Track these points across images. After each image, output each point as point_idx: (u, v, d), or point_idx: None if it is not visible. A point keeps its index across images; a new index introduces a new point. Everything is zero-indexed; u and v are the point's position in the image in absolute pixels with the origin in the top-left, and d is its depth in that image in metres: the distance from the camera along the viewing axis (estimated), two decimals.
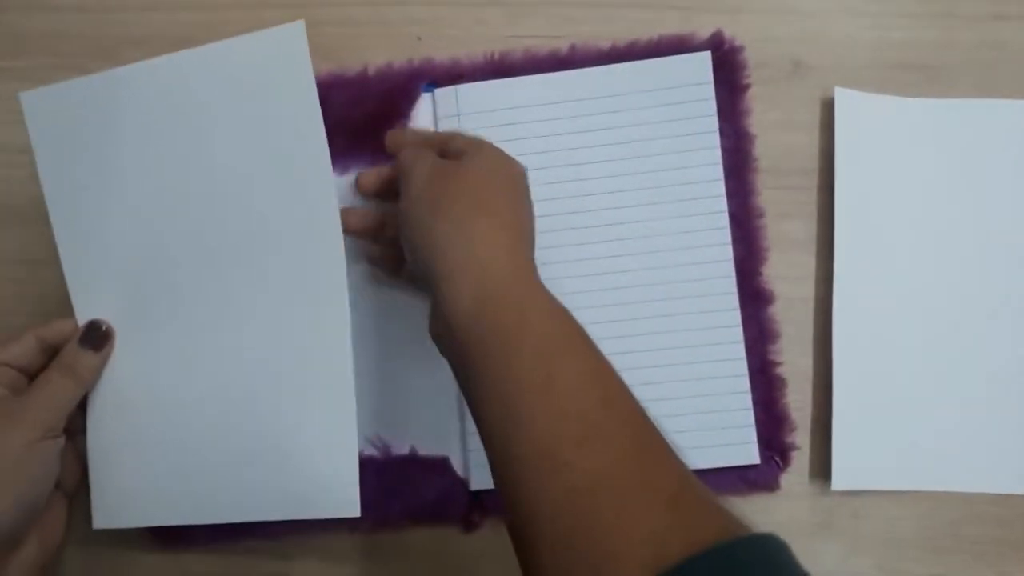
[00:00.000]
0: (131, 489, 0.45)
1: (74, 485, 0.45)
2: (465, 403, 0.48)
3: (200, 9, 0.52)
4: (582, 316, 0.48)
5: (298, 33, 0.42)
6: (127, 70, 0.44)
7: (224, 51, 0.43)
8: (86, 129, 0.44)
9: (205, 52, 0.43)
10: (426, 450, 0.49)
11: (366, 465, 0.47)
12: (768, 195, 0.50)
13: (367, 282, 0.50)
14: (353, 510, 0.43)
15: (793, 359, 0.49)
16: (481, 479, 0.48)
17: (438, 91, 0.50)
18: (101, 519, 0.45)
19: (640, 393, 0.48)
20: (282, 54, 0.43)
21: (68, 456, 0.44)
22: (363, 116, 0.50)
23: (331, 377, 0.43)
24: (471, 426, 0.48)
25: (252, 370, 0.44)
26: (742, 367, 0.48)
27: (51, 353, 0.44)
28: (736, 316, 0.48)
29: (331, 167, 0.43)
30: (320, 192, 0.43)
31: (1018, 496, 0.48)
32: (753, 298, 0.49)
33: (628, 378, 0.47)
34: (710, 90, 0.50)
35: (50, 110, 0.45)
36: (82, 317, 0.44)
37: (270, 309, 0.44)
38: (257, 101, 0.43)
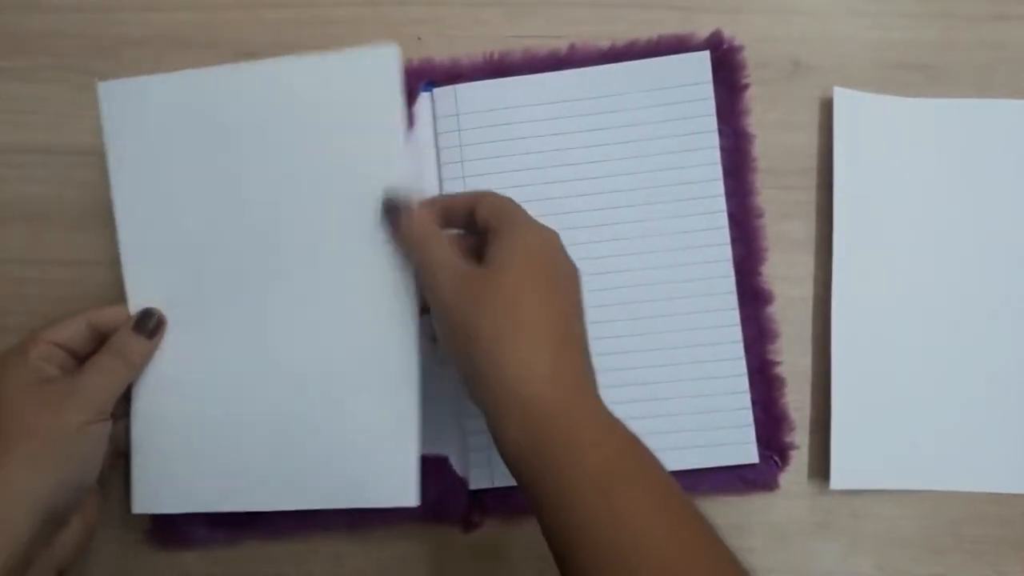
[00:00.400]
0: (175, 475, 0.45)
1: (107, 470, 0.46)
2: (465, 403, 0.48)
3: (200, 9, 0.52)
4: None
5: (391, 55, 0.43)
6: (211, 72, 0.45)
7: (313, 65, 0.44)
8: (160, 125, 0.45)
9: (292, 63, 0.44)
10: (426, 450, 0.49)
11: None
12: (767, 195, 0.50)
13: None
14: (411, 499, 0.43)
15: (792, 359, 0.49)
16: (481, 479, 0.48)
17: (437, 91, 0.50)
18: (140, 504, 0.46)
19: (639, 393, 0.48)
20: (372, 74, 0.44)
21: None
22: None
23: (394, 367, 0.44)
24: (471, 426, 0.48)
25: (309, 359, 0.44)
26: (741, 367, 0.48)
27: (100, 339, 0.44)
28: (735, 316, 0.49)
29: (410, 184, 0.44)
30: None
31: (1018, 495, 0.48)
32: (752, 298, 0.49)
33: (628, 378, 0.48)
34: (709, 90, 0.50)
35: (126, 102, 0.45)
36: (134, 303, 0.45)
37: (331, 299, 0.44)
38: (341, 117, 0.44)
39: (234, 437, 0.45)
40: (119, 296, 0.49)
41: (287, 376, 0.45)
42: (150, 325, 0.44)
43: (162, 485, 0.45)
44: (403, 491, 0.43)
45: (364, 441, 0.44)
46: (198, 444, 0.45)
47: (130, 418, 0.46)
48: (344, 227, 0.44)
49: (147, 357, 0.45)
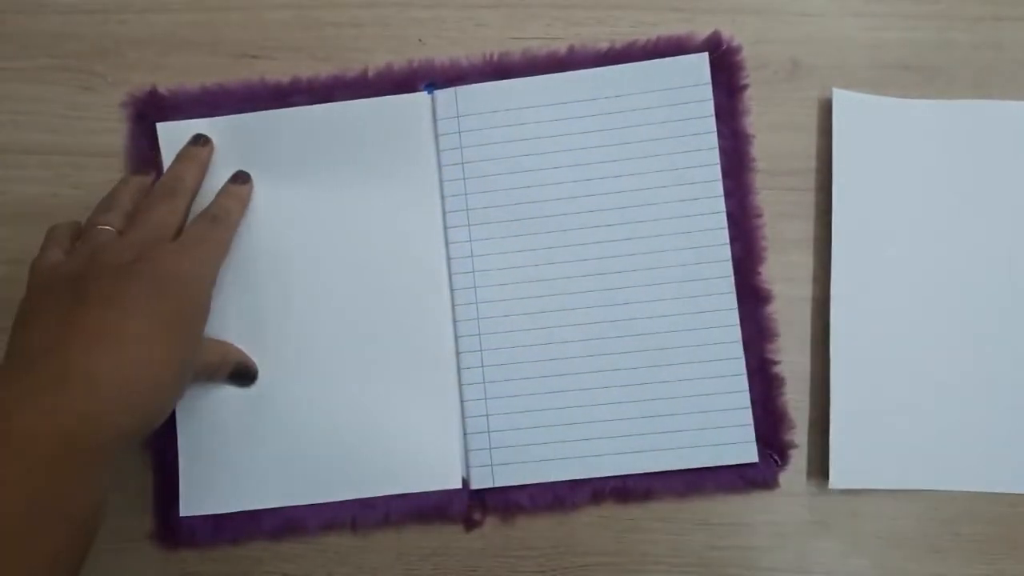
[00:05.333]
0: (223, 475, 0.48)
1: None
2: (465, 402, 0.49)
3: (201, 10, 0.52)
4: (581, 316, 0.49)
5: (423, 102, 0.50)
6: (261, 115, 0.50)
7: (355, 110, 0.50)
8: (223, 162, 0.50)
9: (337, 108, 0.50)
10: None
11: None
12: (766, 195, 0.50)
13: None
14: (456, 482, 0.48)
15: (791, 358, 0.49)
16: (481, 478, 0.48)
17: (438, 92, 0.51)
18: (188, 507, 0.48)
19: (639, 393, 0.48)
20: (408, 118, 0.50)
21: None
22: None
23: (434, 358, 0.49)
24: (471, 426, 0.48)
25: (355, 361, 0.49)
26: (740, 366, 0.48)
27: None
28: (734, 315, 0.49)
29: (442, 229, 0.50)
30: (430, 233, 0.50)
31: (1016, 495, 0.48)
32: (751, 297, 0.49)
33: (627, 378, 0.48)
34: (708, 91, 0.50)
35: (185, 141, 0.50)
36: None
37: (372, 295, 0.49)
38: (383, 157, 0.50)
39: (281, 434, 0.48)
40: None
41: (330, 372, 0.49)
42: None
43: (211, 486, 0.48)
44: (448, 475, 0.48)
45: (410, 432, 0.48)
46: (245, 443, 0.48)
47: (176, 422, 0.48)
48: (383, 244, 0.50)
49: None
